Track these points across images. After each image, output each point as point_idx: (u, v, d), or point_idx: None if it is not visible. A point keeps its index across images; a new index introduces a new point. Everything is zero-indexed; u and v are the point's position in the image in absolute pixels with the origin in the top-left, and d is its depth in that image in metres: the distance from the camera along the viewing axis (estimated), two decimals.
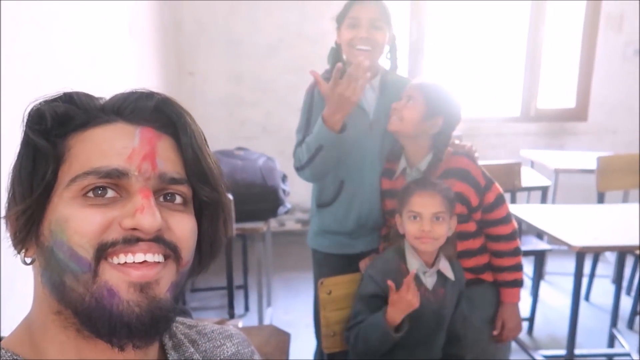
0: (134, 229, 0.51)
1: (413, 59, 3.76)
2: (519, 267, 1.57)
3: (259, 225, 2.24)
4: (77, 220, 0.50)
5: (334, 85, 1.41)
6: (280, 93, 3.70)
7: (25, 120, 0.55)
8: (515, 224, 1.56)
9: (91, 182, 0.51)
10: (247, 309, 2.95)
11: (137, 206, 0.51)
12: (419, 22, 3.71)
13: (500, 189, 1.54)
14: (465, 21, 3.82)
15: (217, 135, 3.60)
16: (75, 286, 0.50)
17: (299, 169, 1.58)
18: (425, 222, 1.34)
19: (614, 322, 2.55)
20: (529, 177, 2.93)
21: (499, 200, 1.53)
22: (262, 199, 2.28)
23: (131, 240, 0.51)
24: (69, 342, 0.53)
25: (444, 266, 1.41)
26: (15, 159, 0.55)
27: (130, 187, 0.52)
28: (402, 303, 1.30)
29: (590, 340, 2.58)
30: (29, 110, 0.55)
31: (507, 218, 1.54)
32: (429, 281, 1.40)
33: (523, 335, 2.70)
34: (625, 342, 2.46)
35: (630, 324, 2.74)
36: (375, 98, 1.62)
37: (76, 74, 1.86)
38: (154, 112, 0.57)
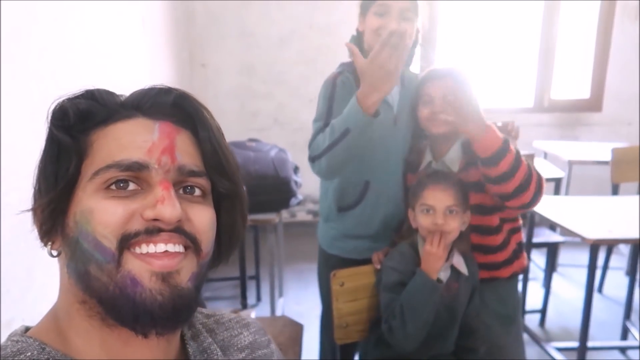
0: (155, 219, 0.52)
1: (424, 51, 3.73)
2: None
3: (271, 216, 2.25)
4: (101, 212, 0.52)
5: (374, 58, 1.25)
6: (292, 85, 3.70)
7: (49, 118, 0.56)
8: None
9: (113, 175, 0.53)
10: (259, 299, 2.98)
11: (157, 197, 0.53)
12: (431, 12, 3.68)
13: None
14: (478, 11, 3.79)
15: (229, 127, 3.57)
16: (99, 275, 0.52)
17: (314, 158, 1.44)
18: (439, 216, 1.33)
19: (627, 315, 2.54)
20: (542, 169, 2.89)
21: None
22: (274, 191, 2.29)
23: (153, 231, 0.52)
24: (93, 330, 0.54)
25: (458, 261, 1.40)
26: (41, 154, 0.56)
27: (151, 179, 0.54)
28: (432, 257, 1.32)
29: (603, 333, 2.58)
30: (52, 107, 0.56)
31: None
32: (443, 276, 1.38)
33: (535, 327, 2.70)
34: (638, 335, 2.45)
35: None
36: (399, 91, 1.56)
37: (91, 67, 1.87)
38: (172, 107, 0.58)
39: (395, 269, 1.39)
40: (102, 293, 0.52)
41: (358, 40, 1.54)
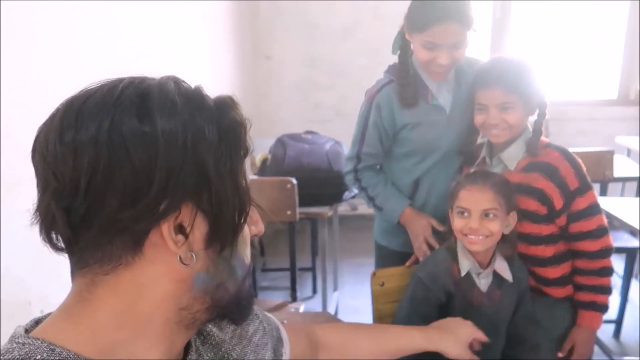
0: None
1: (496, 39, 3.53)
2: (602, 290, 1.37)
3: (324, 210, 2.24)
4: (246, 237, 0.59)
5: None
6: (354, 77, 3.65)
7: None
8: (610, 242, 1.36)
9: None
10: (314, 291, 2.98)
11: (256, 216, 0.61)
12: None
13: (596, 198, 1.35)
14: None
15: (291, 118, 3.63)
16: (230, 287, 0.57)
17: (348, 179, 1.61)
18: (474, 219, 1.23)
19: None
20: (624, 167, 2.69)
21: (590, 211, 1.33)
22: (327, 184, 2.26)
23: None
24: (164, 334, 0.54)
25: (501, 266, 1.30)
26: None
27: None
28: None
29: None
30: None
31: (596, 233, 1.34)
32: (483, 283, 1.29)
33: (608, 339, 2.49)
34: None
35: None
36: (452, 90, 1.51)
37: (151, 61, 1.93)
38: None
39: (425, 284, 1.31)
40: (226, 299, 0.57)
41: (406, 46, 1.46)
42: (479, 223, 1.23)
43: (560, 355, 1.41)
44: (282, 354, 0.78)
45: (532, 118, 1.39)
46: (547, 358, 1.38)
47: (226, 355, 0.65)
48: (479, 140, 1.46)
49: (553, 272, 1.39)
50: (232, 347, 0.67)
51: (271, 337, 0.76)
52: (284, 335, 0.80)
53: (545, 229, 1.36)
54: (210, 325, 0.66)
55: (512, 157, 1.37)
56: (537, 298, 1.40)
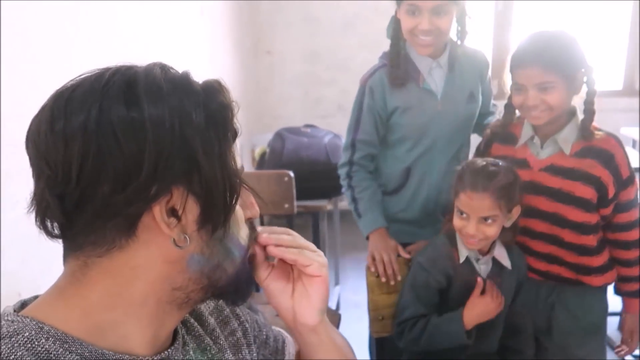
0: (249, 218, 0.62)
1: (499, 32, 3.50)
2: None
3: (323, 203, 2.23)
4: (239, 219, 0.59)
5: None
6: (355, 70, 3.59)
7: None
8: None
9: None
10: None
11: (250, 200, 0.62)
12: None
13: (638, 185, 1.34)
14: None
15: (293, 114, 3.62)
16: (228, 268, 0.57)
17: (339, 172, 1.61)
18: (471, 225, 1.22)
19: None
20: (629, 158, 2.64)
21: (638, 199, 1.33)
22: (326, 177, 2.25)
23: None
24: (158, 315, 0.55)
25: (500, 253, 1.29)
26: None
27: None
28: (485, 308, 1.24)
29: None
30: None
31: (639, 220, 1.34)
32: (483, 269, 1.29)
33: (613, 331, 2.45)
34: None
35: None
36: (444, 76, 1.50)
37: (148, 58, 1.93)
38: None
39: (424, 268, 1.30)
40: (222, 280, 0.57)
41: (397, 26, 1.47)
42: (476, 228, 1.22)
43: (621, 345, 1.43)
44: None
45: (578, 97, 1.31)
46: (580, 348, 1.39)
47: (208, 347, 0.66)
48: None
49: (597, 261, 1.36)
50: (213, 339, 0.67)
51: (264, 345, 0.76)
52: (290, 350, 0.80)
53: (593, 218, 1.32)
54: (192, 319, 0.67)
55: (568, 140, 1.29)
56: (568, 287, 1.39)
